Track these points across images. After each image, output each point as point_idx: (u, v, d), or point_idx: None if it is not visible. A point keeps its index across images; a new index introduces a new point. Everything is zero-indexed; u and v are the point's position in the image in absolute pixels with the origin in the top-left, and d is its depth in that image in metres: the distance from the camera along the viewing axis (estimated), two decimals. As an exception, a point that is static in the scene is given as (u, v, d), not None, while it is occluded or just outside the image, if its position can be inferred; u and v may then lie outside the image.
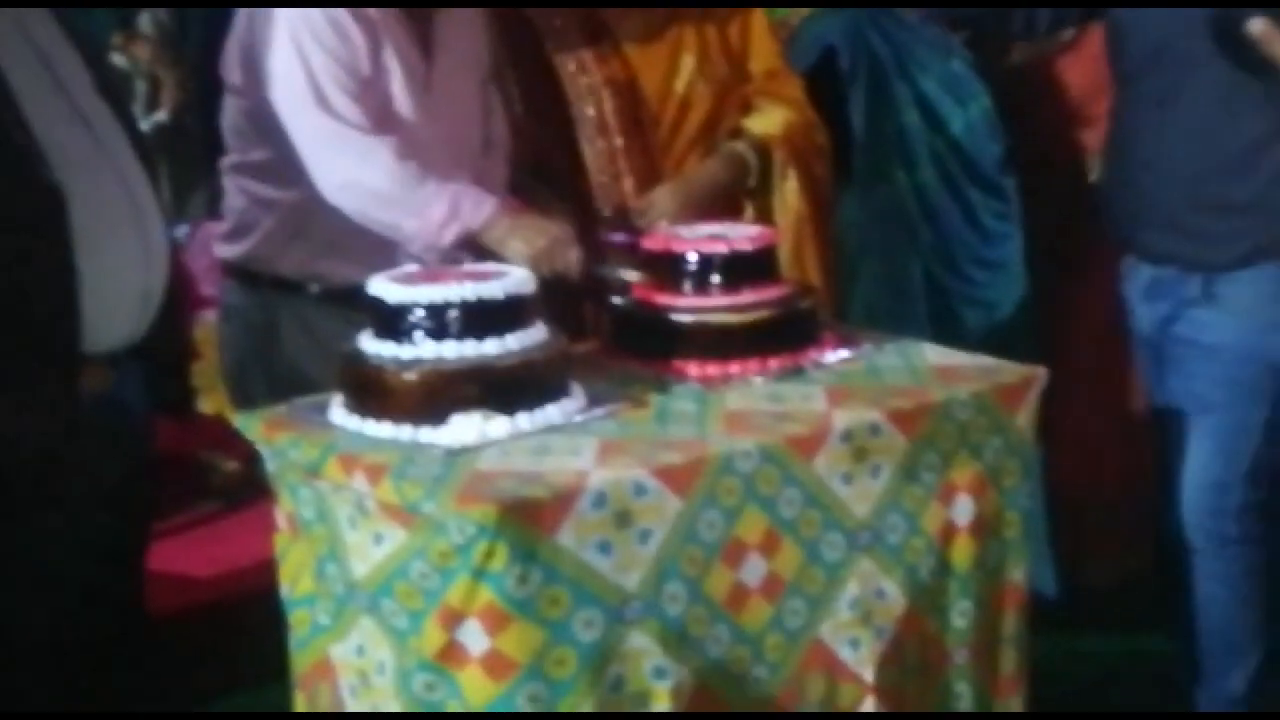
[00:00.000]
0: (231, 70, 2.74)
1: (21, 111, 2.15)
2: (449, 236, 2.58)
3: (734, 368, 2.38)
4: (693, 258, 2.45)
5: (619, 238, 2.87)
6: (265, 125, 2.67)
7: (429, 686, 2.00)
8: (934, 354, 2.50)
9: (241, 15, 2.72)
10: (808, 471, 2.15)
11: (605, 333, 2.62)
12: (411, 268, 2.34)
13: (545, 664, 1.95)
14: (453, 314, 2.14)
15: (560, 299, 2.60)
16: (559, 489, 1.96)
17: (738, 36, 3.05)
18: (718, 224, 2.62)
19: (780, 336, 2.43)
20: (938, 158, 3.34)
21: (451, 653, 1.96)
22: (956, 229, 3.36)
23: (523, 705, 1.94)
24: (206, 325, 3.12)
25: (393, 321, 2.16)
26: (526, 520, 1.92)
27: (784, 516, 2.14)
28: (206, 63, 3.00)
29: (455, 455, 2.05)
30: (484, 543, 1.90)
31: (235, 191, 2.81)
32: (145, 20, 5.86)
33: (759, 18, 3.10)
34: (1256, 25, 2.56)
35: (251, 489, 2.76)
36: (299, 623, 2.21)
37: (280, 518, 2.23)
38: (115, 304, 2.23)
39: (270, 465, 2.23)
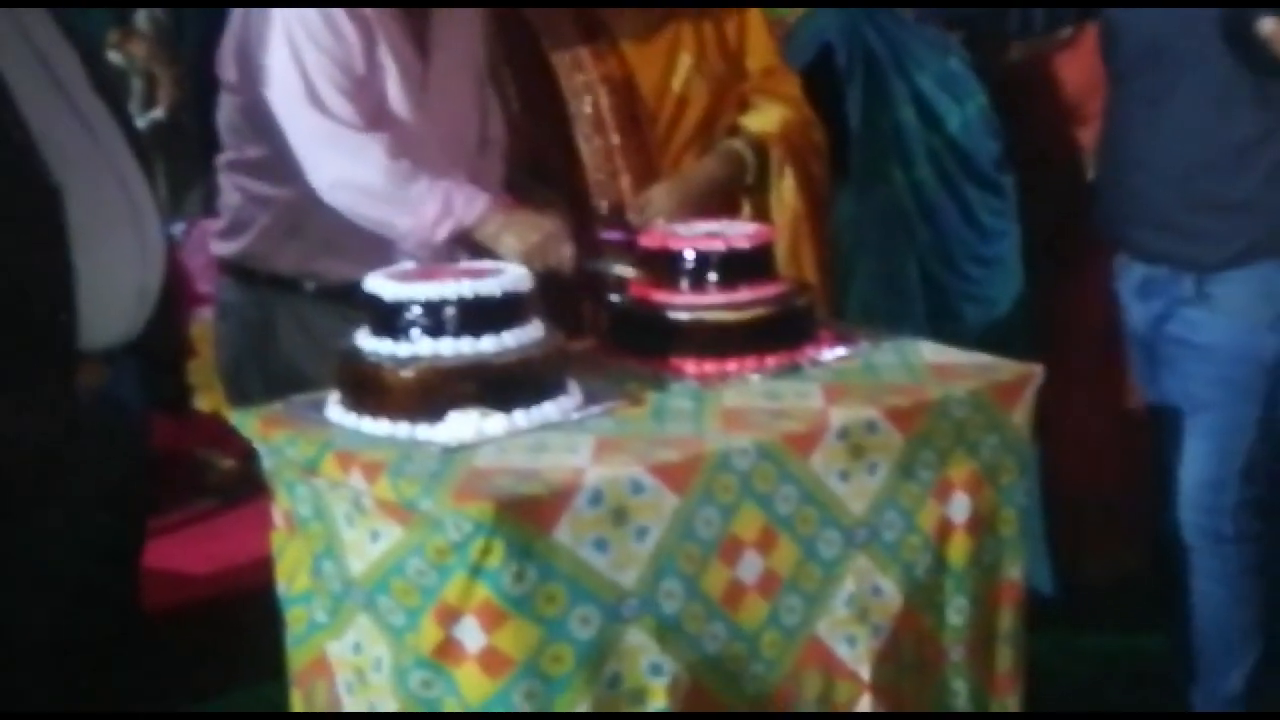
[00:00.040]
0: (227, 67, 2.74)
1: (19, 109, 2.14)
2: (442, 233, 2.58)
3: (731, 365, 2.38)
4: (690, 255, 2.45)
5: (614, 236, 2.87)
6: (260, 122, 2.67)
7: (426, 684, 2.00)
8: (931, 352, 2.50)
9: (237, 12, 2.72)
10: (804, 469, 2.15)
11: (602, 330, 2.63)
12: (408, 265, 2.34)
13: (542, 661, 1.95)
14: (450, 311, 2.14)
15: (557, 296, 2.60)
16: (556, 486, 1.96)
17: (735, 34, 3.05)
18: (715, 222, 2.62)
19: (777, 334, 2.43)
20: (934, 155, 3.34)
21: (448, 650, 1.96)
22: (954, 227, 3.36)
23: (519, 702, 1.94)
24: (203, 323, 3.12)
25: (390, 319, 2.16)
26: (523, 517, 1.92)
27: (781, 514, 2.14)
28: (203, 60, 3.00)
29: (452, 453, 2.05)
30: (481, 540, 1.90)
31: (231, 189, 2.81)
32: (141, 18, 5.85)
33: (756, 15, 3.09)
34: (1267, 25, 2.56)
35: (248, 486, 2.76)
36: (296, 620, 2.21)
37: (277, 515, 2.23)
38: (112, 301, 2.23)
39: (267, 463, 2.23)
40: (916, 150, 3.33)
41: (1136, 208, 2.84)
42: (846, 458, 2.19)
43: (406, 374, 2.12)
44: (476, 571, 1.91)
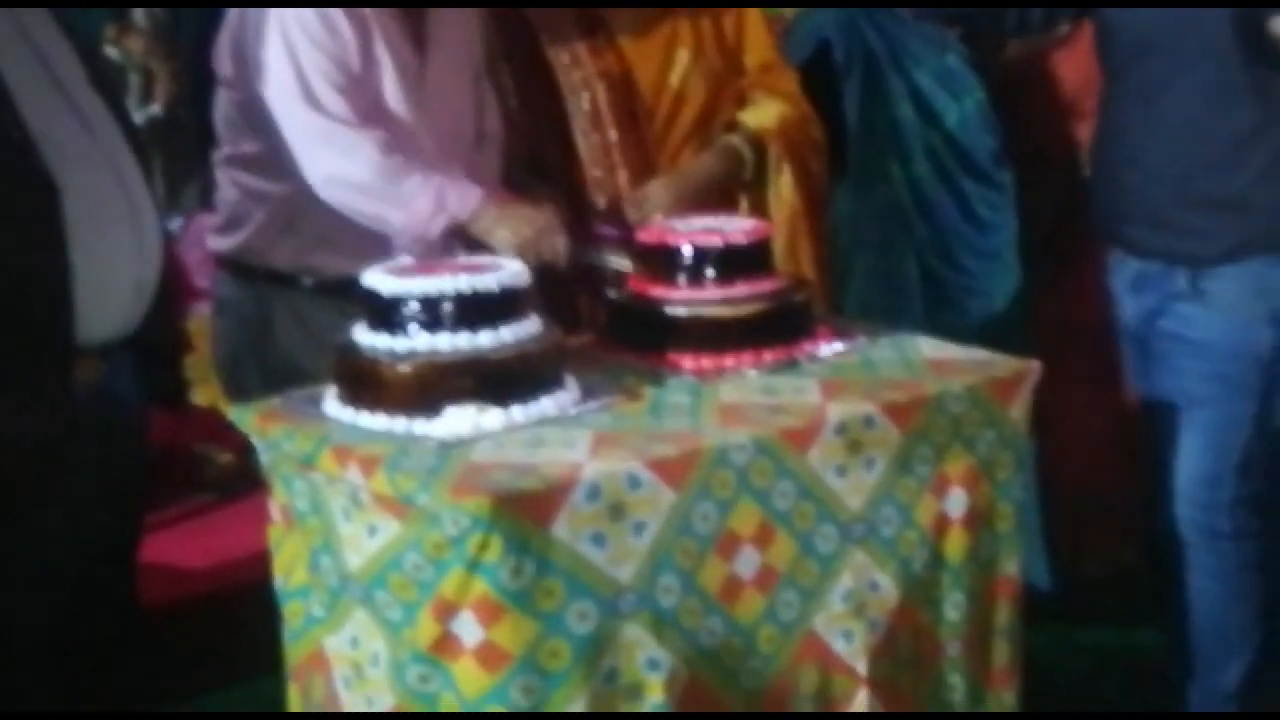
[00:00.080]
0: (223, 63, 2.74)
1: (16, 105, 2.14)
2: (436, 228, 2.59)
3: (728, 360, 2.38)
4: (687, 251, 2.45)
5: (610, 233, 2.87)
6: (257, 118, 2.67)
7: (423, 678, 2.00)
8: (928, 347, 2.50)
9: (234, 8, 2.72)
10: (801, 464, 2.15)
11: (600, 325, 2.62)
12: (405, 260, 2.34)
13: (539, 655, 1.95)
14: (447, 306, 2.14)
15: (555, 291, 2.60)
16: (553, 481, 1.96)
17: (733, 30, 3.05)
18: (712, 217, 2.62)
19: (774, 329, 2.43)
20: (932, 152, 3.34)
21: (445, 644, 1.96)
22: (951, 222, 3.36)
23: (516, 697, 1.94)
24: (200, 318, 3.12)
25: (387, 313, 2.16)
26: (520, 512, 1.92)
27: (778, 509, 2.14)
28: (200, 55, 3.00)
29: (449, 447, 2.05)
30: (478, 534, 1.90)
31: (227, 184, 2.81)
32: (139, 13, 5.85)
33: (754, 10, 3.09)
34: (1279, 25, 2.56)
35: (245, 481, 2.76)
36: (293, 614, 2.21)
37: (274, 510, 2.23)
38: (109, 296, 2.23)
39: (264, 457, 2.23)
40: (914, 146, 3.33)
41: (1130, 204, 2.84)
42: (844, 453, 2.19)
43: (404, 369, 2.12)
44: (474, 566, 1.91)
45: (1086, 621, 3.44)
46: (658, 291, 2.46)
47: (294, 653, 2.22)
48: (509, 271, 2.21)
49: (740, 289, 2.44)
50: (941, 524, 2.30)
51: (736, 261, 2.45)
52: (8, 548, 2.18)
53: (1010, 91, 3.45)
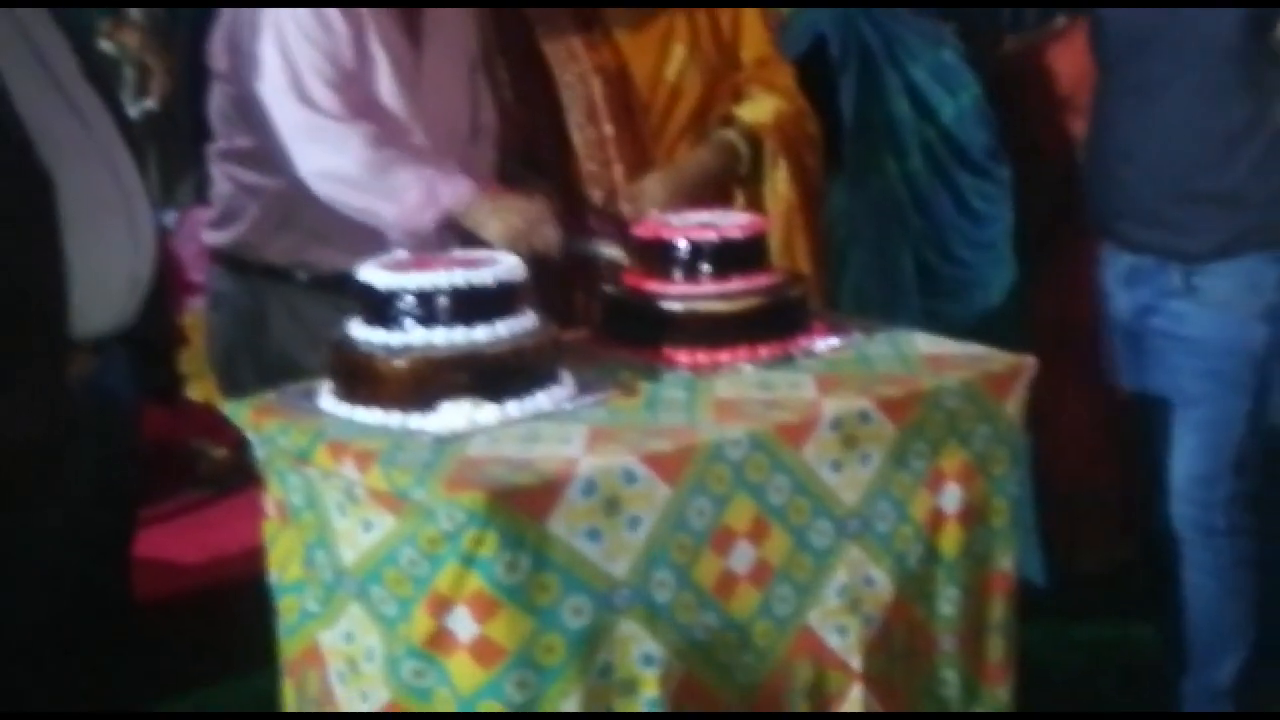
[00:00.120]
0: (217, 57, 2.73)
1: (10, 98, 2.14)
2: (428, 221, 2.59)
3: (724, 355, 2.38)
4: (683, 245, 2.45)
5: (607, 232, 2.87)
6: (250, 112, 2.67)
7: (417, 673, 2.00)
8: (924, 342, 2.50)
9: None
10: (797, 459, 2.15)
11: (595, 320, 2.62)
12: (401, 254, 2.34)
13: (534, 651, 1.95)
14: (442, 301, 2.14)
15: (550, 286, 2.60)
16: (548, 476, 1.96)
17: (729, 24, 3.05)
18: (708, 212, 2.62)
19: (770, 324, 2.43)
20: (928, 147, 3.34)
21: (440, 639, 1.96)
22: (947, 216, 3.36)
23: (511, 692, 1.94)
24: (195, 312, 3.12)
25: (382, 308, 2.16)
26: (516, 507, 1.92)
27: (773, 504, 2.14)
28: (195, 50, 2.99)
29: (445, 442, 2.05)
30: (473, 530, 1.90)
31: (222, 178, 2.81)
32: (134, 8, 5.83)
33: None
34: None
35: (240, 476, 2.75)
36: (287, 609, 2.21)
37: (269, 504, 2.23)
38: (103, 290, 2.22)
39: (259, 452, 2.23)
40: (910, 141, 3.33)
41: (1124, 199, 2.84)
42: (839, 448, 2.19)
43: (399, 363, 2.12)
44: (469, 561, 1.91)
45: (1081, 617, 3.44)
46: (653, 286, 2.46)
47: (288, 648, 2.22)
48: (505, 266, 2.20)
49: (736, 284, 2.44)
50: (936, 519, 2.30)
51: (732, 256, 2.45)
52: (2, 544, 2.17)
53: (1006, 86, 3.45)
